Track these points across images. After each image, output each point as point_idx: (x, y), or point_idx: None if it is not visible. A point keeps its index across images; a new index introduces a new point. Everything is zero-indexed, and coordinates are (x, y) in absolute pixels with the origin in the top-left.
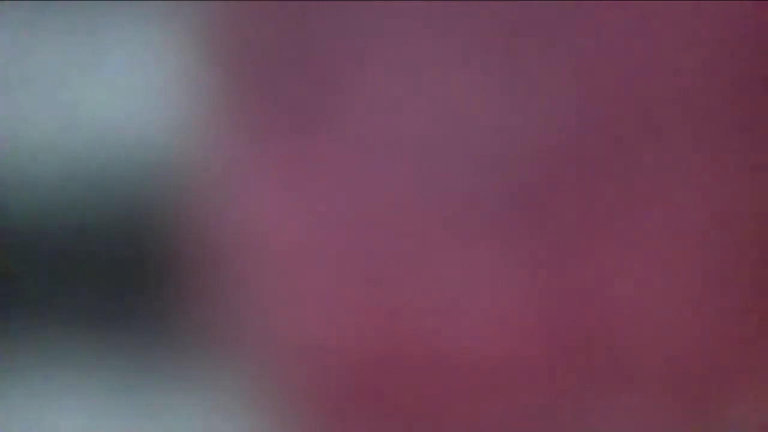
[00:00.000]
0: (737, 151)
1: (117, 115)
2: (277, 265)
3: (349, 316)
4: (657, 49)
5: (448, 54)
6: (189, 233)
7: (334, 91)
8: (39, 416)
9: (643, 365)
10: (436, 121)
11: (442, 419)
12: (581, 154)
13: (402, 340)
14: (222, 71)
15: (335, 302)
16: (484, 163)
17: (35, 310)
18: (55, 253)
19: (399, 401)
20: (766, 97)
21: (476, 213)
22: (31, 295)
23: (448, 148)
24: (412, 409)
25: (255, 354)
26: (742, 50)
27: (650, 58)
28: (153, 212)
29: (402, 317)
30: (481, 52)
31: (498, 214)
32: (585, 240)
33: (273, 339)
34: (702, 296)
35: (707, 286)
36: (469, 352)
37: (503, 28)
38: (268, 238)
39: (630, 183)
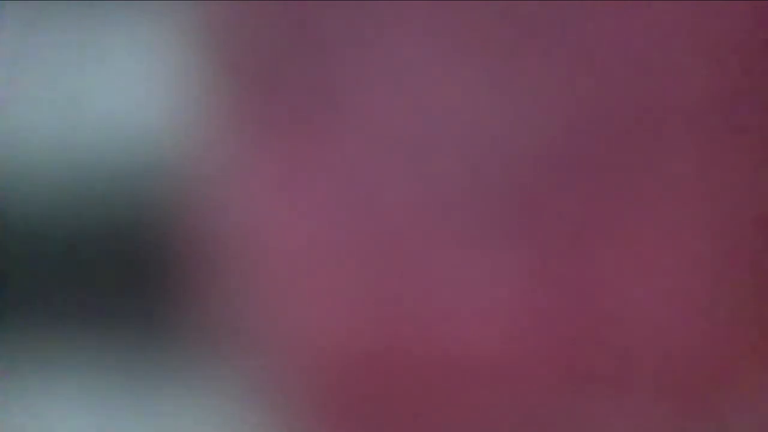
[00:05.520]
0: (737, 152)
1: (118, 115)
2: (276, 264)
3: (348, 315)
4: (656, 50)
5: (448, 54)
6: (189, 232)
7: (335, 91)
8: (39, 416)
9: (640, 365)
10: (436, 121)
11: (441, 417)
12: (579, 155)
13: (401, 339)
14: (223, 71)
15: (335, 301)
16: (483, 164)
17: (35, 310)
18: (55, 253)
19: (398, 400)
20: (766, 97)
21: (475, 213)
22: (31, 295)
23: (448, 149)
24: (411, 408)
25: (255, 353)
26: (742, 50)
27: (649, 60)
28: (153, 212)
29: (401, 317)
30: (481, 53)
31: (497, 214)
32: (583, 241)
33: (272, 338)
34: (699, 297)
35: (704, 287)
36: (467, 352)
37: (503, 30)
38: (267, 237)
39: (628, 184)
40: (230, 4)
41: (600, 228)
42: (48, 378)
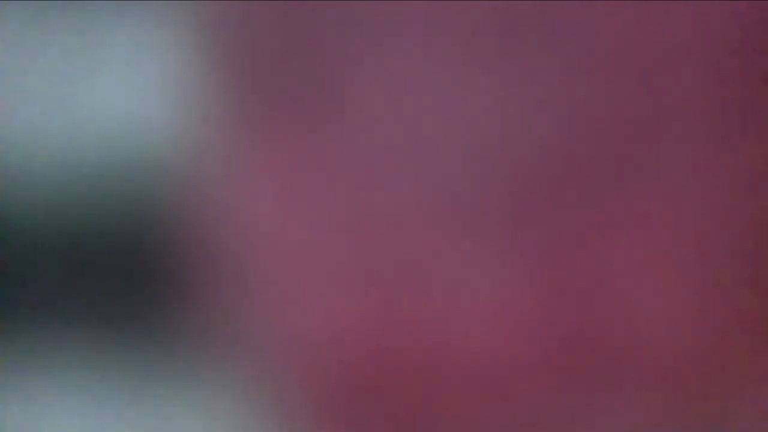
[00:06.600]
0: (739, 153)
1: (118, 115)
2: (276, 263)
3: (348, 315)
4: (657, 51)
5: (448, 55)
6: (190, 233)
7: (335, 91)
8: (39, 417)
9: (641, 365)
10: (435, 121)
11: (441, 416)
12: (579, 156)
13: (401, 339)
14: (223, 71)
15: (335, 301)
16: (484, 165)
17: (35, 310)
18: (55, 253)
19: (398, 400)
20: (765, 96)
21: (475, 214)
22: (32, 295)
23: (448, 149)
24: (411, 407)
25: (255, 353)
26: (743, 51)
27: (650, 60)
28: (154, 212)
29: (401, 316)
30: (481, 53)
31: (497, 215)
32: (584, 241)
33: (273, 338)
34: (699, 298)
35: (704, 287)
36: (468, 351)
37: (503, 30)
38: (267, 237)
39: (629, 184)
40: (230, 4)
41: (600, 229)
42: (48, 378)
